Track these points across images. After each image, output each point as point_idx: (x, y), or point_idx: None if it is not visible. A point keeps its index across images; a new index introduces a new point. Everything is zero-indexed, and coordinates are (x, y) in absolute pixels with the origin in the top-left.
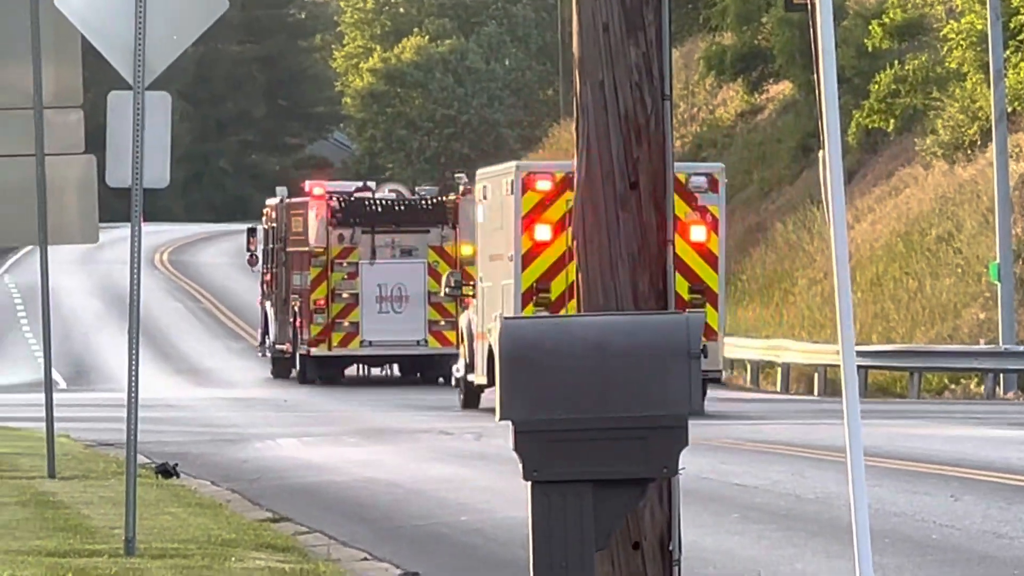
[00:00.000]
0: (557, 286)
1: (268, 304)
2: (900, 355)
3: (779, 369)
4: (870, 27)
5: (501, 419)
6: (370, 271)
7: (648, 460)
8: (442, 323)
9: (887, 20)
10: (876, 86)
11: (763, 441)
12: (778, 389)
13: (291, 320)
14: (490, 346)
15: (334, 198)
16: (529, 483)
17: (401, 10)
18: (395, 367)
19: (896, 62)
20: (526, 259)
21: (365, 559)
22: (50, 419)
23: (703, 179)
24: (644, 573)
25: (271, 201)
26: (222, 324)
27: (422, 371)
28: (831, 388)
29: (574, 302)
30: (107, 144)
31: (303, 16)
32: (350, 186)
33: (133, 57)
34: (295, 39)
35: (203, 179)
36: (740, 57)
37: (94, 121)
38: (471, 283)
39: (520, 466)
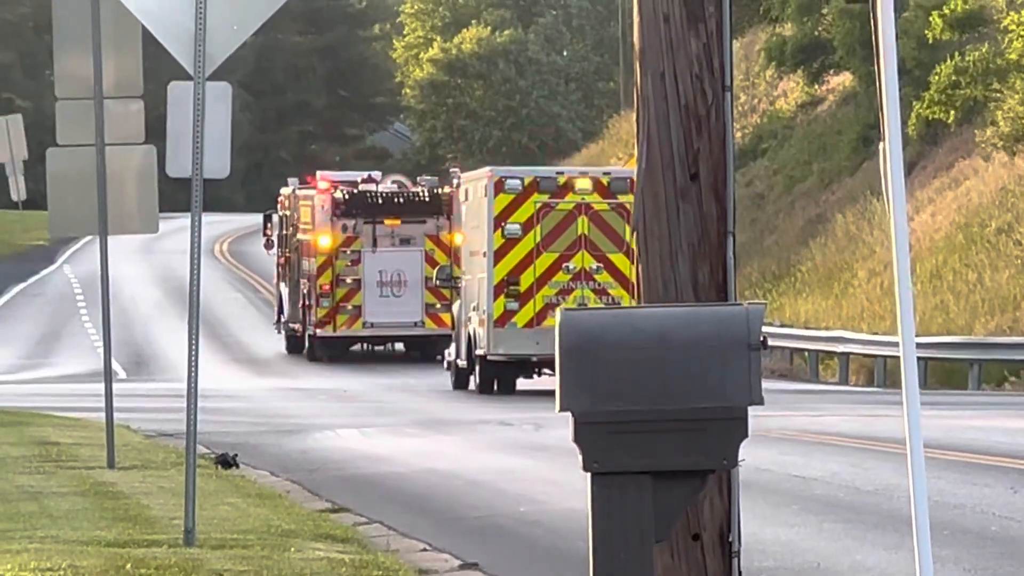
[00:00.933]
0: (526, 279)
1: (283, 285)
2: (960, 347)
3: (838, 360)
4: (931, 18)
5: (561, 410)
6: (372, 258)
7: (708, 451)
8: (438, 306)
9: (948, 11)
10: (936, 77)
11: (822, 432)
12: (837, 380)
13: (301, 302)
14: (468, 334)
15: (339, 190)
16: (589, 474)
17: (460, 1)
18: (399, 345)
19: (956, 53)
20: (498, 255)
21: (424, 550)
22: (110, 409)
23: (625, 182)
24: (704, 564)
25: (284, 190)
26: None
27: (422, 350)
28: (891, 379)
29: (542, 292)
30: (167, 134)
31: (363, 6)
32: (356, 176)
33: (194, 47)
34: (355, 29)
35: (263, 169)
36: (800, 48)
37: (154, 111)
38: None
39: (580, 457)
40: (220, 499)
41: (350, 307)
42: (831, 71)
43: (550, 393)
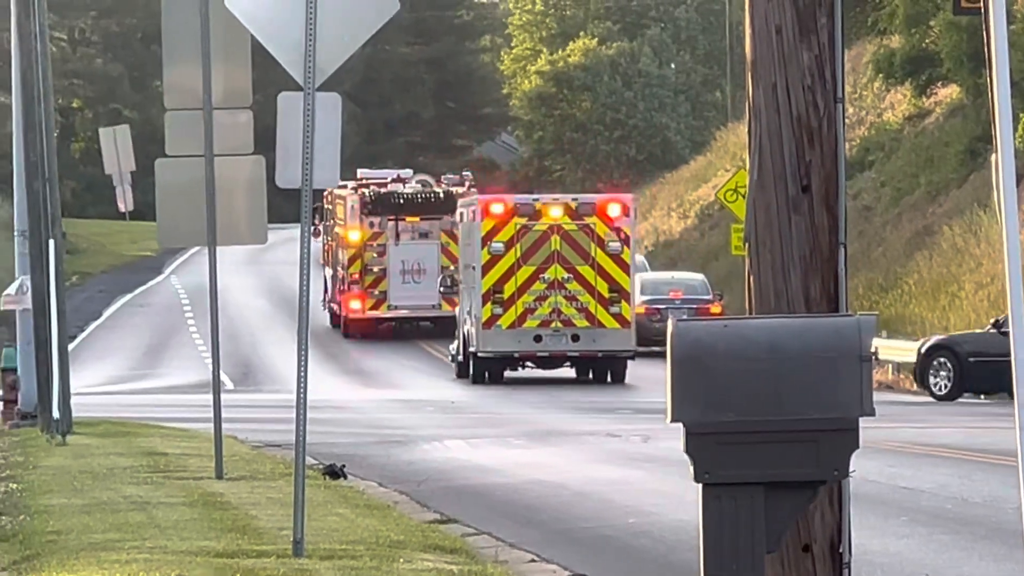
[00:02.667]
0: (508, 288)
1: (327, 269)
2: None
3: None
4: None
5: (673, 421)
6: (395, 250)
7: (819, 463)
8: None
9: None
10: None
11: (930, 444)
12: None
13: (337, 286)
14: (464, 334)
15: (369, 188)
16: (700, 485)
17: (568, 12)
18: (422, 324)
19: None
20: (485, 268)
21: (533, 561)
22: (218, 420)
23: (618, 205)
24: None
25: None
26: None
27: (444, 327)
28: None
29: (523, 299)
30: (277, 145)
31: (471, 18)
32: (386, 175)
33: (303, 58)
34: (463, 41)
35: None
36: (908, 60)
37: (263, 122)
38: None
39: (691, 468)
40: (328, 510)
41: (377, 292)
42: (939, 83)
43: (535, 381)
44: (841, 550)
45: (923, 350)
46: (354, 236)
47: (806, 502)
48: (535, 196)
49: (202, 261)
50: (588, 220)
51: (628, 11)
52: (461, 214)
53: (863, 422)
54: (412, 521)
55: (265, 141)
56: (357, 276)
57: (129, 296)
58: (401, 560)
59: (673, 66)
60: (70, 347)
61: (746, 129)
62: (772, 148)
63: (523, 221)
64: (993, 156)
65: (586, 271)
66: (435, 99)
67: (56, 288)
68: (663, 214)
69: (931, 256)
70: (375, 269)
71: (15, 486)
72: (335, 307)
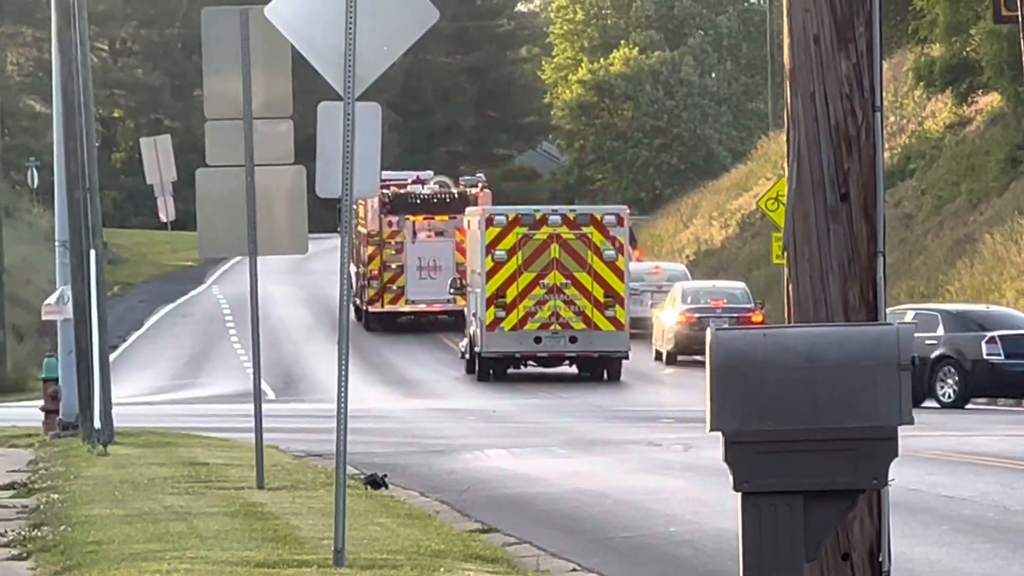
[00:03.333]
0: (511, 293)
1: (352, 266)
2: None
3: None
4: None
5: (712, 430)
6: (412, 248)
7: (858, 471)
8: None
9: None
10: None
11: (971, 452)
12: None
13: (360, 282)
14: (470, 334)
15: (389, 189)
16: (739, 494)
17: (609, 22)
18: (440, 317)
19: None
20: (489, 274)
21: (574, 570)
22: (259, 430)
23: (613, 216)
24: None
25: None
26: (430, 334)
27: (460, 319)
28: None
29: (524, 303)
30: (317, 155)
31: (512, 27)
32: (407, 176)
33: (343, 68)
34: (504, 50)
35: None
36: (949, 68)
37: (303, 132)
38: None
39: (730, 477)
40: (369, 519)
41: (395, 287)
42: (979, 91)
43: (534, 377)
44: (881, 559)
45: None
46: (374, 234)
47: (845, 511)
48: (536, 207)
49: (243, 271)
50: (585, 230)
51: (670, 18)
52: (467, 222)
53: (904, 430)
54: (453, 531)
55: (306, 151)
56: (376, 272)
57: (171, 306)
58: (442, 570)
59: (715, 75)
60: (111, 357)
61: (784, 138)
62: (811, 156)
63: (524, 230)
64: None
65: (583, 277)
66: (476, 108)
67: (97, 298)
68: (704, 223)
69: (972, 264)
70: (393, 266)
71: (56, 496)
72: (357, 302)
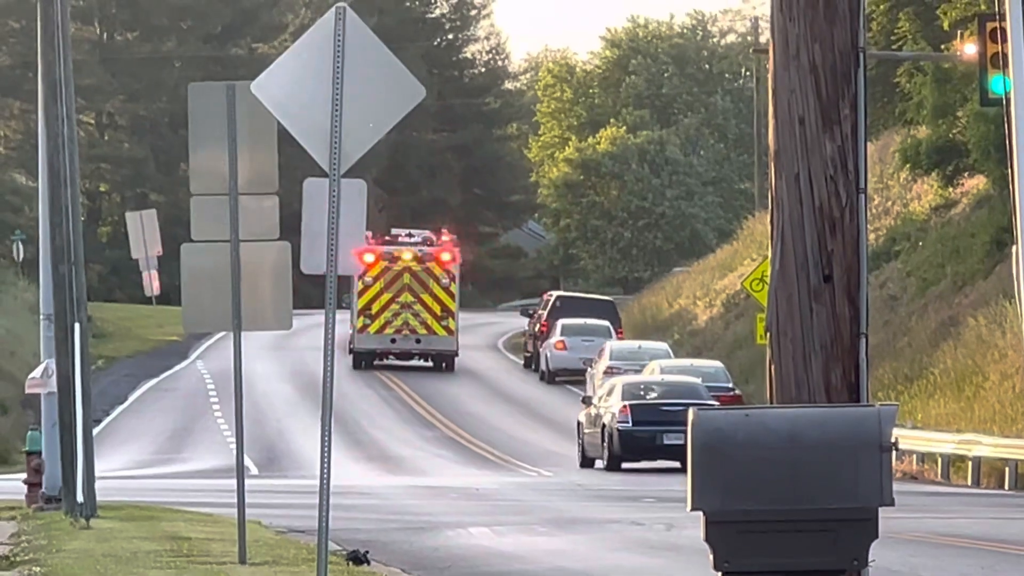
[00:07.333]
0: (375, 307)
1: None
2: None
3: (970, 463)
4: None
5: (693, 509)
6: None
7: (839, 552)
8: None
9: None
10: None
11: (953, 535)
12: (969, 483)
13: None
14: (350, 335)
15: (374, 239)
16: (720, 574)
17: (597, 101)
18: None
19: None
20: (360, 294)
21: None
22: (242, 505)
23: (449, 254)
24: None
25: None
26: (414, 412)
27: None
28: (1022, 482)
29: (384, 315)
30: (302, 230)
31: (498, 105)
32: (403, 232)
33: (329, 144)
34: (490, 128)
35: None
36: (935, 150)
37: (288, 208)
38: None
39: (711, 556)
40: None
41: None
42: (965, 174)
43: (406, 368)
44: None
45: None
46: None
47: None
48: (395, 247)
49: (228, 346)
50: (429, 264)
51: (661, 96)
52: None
53: (885, 512)
54: None
55: (291, 227)
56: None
57: (155, 380)
58: None
59: (702, 153)
60: (95, 431)
61: (769, 218)
62: (794, 238)
63: (385, 263)
64: (1014, 247)
65: (426, 298)
66: (462, 186)
67: (81, 372)
68: (689, 302)
69: (956, 347)
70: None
71: (38, 569)
72: (350, 346)
